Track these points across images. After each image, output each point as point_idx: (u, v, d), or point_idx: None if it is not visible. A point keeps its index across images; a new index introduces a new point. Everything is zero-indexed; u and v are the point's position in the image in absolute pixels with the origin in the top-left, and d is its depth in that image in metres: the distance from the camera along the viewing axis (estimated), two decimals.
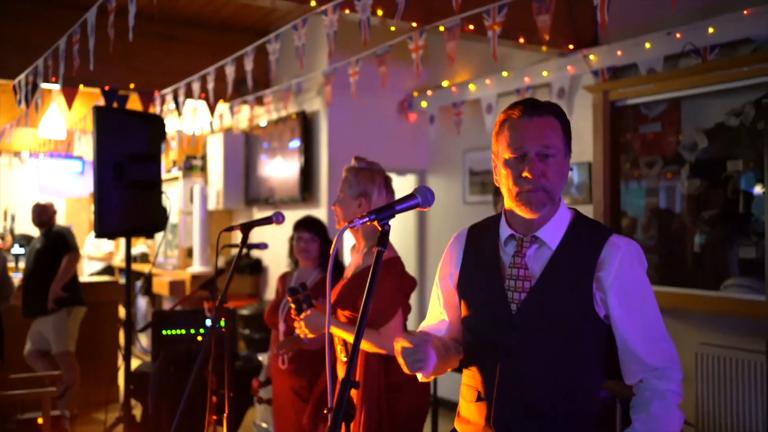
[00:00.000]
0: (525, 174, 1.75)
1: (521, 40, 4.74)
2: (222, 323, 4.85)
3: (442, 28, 4.29)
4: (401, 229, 6.74)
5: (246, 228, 2.84)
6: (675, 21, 4.35)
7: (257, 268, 7.22)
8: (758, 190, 4.01)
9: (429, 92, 6.27)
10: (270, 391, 4.77)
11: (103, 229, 4.21)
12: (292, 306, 2.79)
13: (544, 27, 3.67)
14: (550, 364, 1.75)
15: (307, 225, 3.89)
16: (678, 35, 4.27)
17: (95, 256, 9.10)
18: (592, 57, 4.85)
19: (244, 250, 2.85)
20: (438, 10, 4.27)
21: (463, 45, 5.15)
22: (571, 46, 4.95)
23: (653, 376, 1.75)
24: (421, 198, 1.71)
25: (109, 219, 4.23)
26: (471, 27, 4.32)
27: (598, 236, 1.81)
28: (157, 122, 4.45)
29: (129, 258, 4.54)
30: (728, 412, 4.04)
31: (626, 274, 1.75)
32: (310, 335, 2.72)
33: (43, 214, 5.83)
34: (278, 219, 2.88)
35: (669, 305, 4.41)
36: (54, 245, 5.73)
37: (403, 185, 6.82)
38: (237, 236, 2.96)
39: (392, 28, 4.59)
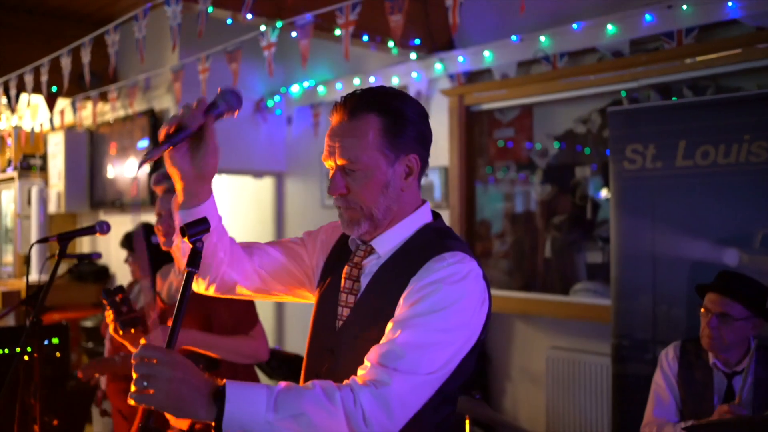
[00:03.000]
0: (328, 192, 1.52)
1: (375, 41, 4.63)
2: (55, 340, 4.43)
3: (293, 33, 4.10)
4: (258, 229, 6.49)
5: (63, 239, 2.54)
6: (527, 27, 4.39)
7: (102, 276, 6.72)
8: (603, 194, 4.11)
9: (286, 93, 6.06)
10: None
11: None
12: (109, 313, 2.42)
13: (397, 27, 3.56)
14: None
15: (124, 243, 3.65)
16: (530, 42, 4.31)
17: None
18: (447, 61, 4.82)
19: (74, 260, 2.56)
20: (289, 7, 4.08)
21: (320, 44, 4.99)
22: (426, 50, 4.90)
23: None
24: (224, 104, 1.44)
25: None
26: (327, 25, 4.16)
27: (434, 250, 1.47)
28: None
29: None
30: (576, 414, 4.11)
31: (429, 274, 1.42)
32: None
33: None
34: (102, 229, 2.60)
35: (520, 310, 4.45)
36: None
37: (260, 187, 6.57)
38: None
39: (239, 23, 4.35)
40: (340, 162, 1.48)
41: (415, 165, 1.51)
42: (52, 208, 6.93)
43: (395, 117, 1.48)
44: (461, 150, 4.72)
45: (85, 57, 4.68)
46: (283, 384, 1.31)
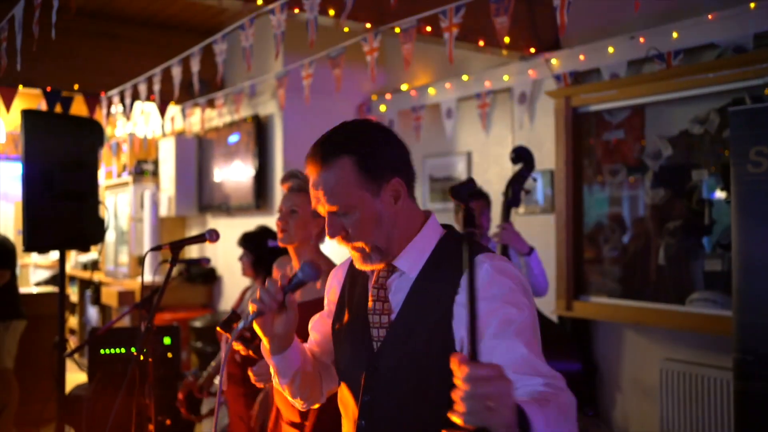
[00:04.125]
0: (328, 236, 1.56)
1: (480, 43, 4.55)
2: (167, 341, 4.58)
3: (397, 30, 4.09)
4: None
5: (175, 247, 2.61)
6: (638, 25, 4.20)
7: (210, 278, 6.93)
8: (720, 195, 3.87)
9: (388, 96, 6.07)
10: (212, 403, 4.54)
11: (31, 242, 3.90)
12: (239, 347, 2.24)
13: (503, 29, 3.48)
14: (413, 408, 1.50)
15: (241, 242, 3.74)
16: (641, 40, 4.12)
17: (42, 263, 8.74)
18: (553, 61, 4.68)
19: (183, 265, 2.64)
20: (392, 11, 4.06)
21: (422, 47, 4.96)
22: (532, 50, 4.78)
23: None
24: (302, 274, 1.55)
25: (38, 231, 3.92)
26: (428, 29, 4.12)
27: (461, 259, 1.47)
28: (94, 127, 4.16)
29: (63, 275, 4.23)
30: (694, 430, 3.89)
31: (488, 286, 1.43)
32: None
33: None
34: (212, 237, 2.65)
35: (632, 319, 4.26)
36: None
37: None
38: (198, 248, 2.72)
39: (345, 29, 4.38)
40: (329, 209, 1.53)
41: (401, 187, 1.53)
42: (163, 211, 7.22)
43: (365, 151, 1.51)
44: (568, 153, 4.56)
45: (195, 66, 4.83)
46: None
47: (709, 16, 3.80)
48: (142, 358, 2.75)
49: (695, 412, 3.88)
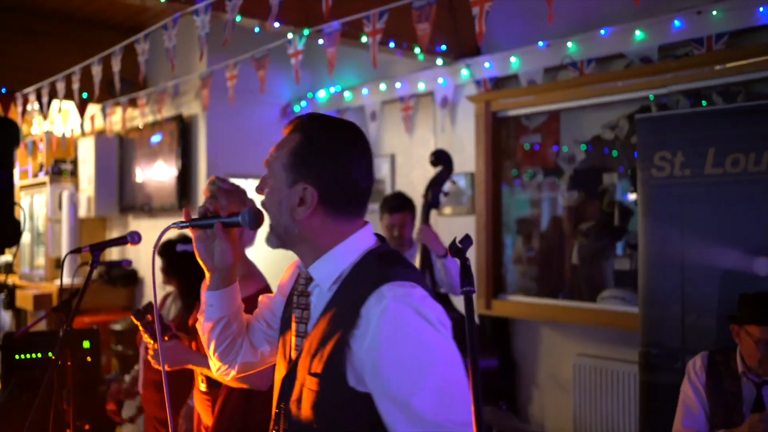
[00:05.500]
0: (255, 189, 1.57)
1: (403, 48, 4.65)
2: (87, 344, 4.48)
3: (320, 37, 4.14)
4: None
5: (96, 249, 2.57)
6: (554, 33, 4.37)
7: (132, 280, 6.80)
8: (631, 197, 4.08)
9: (312, 98, 6.10)
10: (132, 408, 4.47)
11: None
12: (142, 331, 2.45)
13: (424, 35, 3.58)
14: None
15: (162, 252, 3.68)
16: (557, 47, 4.30)
17: None
18: (474, 67, 4.82)
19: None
20: (317, 15, 4.10)
21: (346, 51, 5.02)
22: (453, 56, 4.91)
23: None
24: (242, 219, 1.57)
25: None
26: (354, 33, 4.19)
27: (372, 281, 1.39)
28: (9, 126, 4.03)
29: None
30: (604, 421, 4.09)
31: (382, 338, 1.34)
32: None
33: None
34: (134, 239, 2.63)
35: (548, 317, 4.44)
36: None
37: None
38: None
39: (266, 30, 4.39)
40: (266, 160, 1.53)
41: (310, 198, 1.45)
42: (82, 212, 7.04)
43: (309, 142, 1.47)
44: (488, 156, 4.71)
45: (116, 65, 4.75)
46: None
47: (619, 28, 4.00)
48: (60, 362, 2.71)
49: (605, 404, 4.08)
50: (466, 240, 1.42)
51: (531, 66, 4.48)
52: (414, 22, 3.61)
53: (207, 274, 1.65)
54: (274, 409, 1.56)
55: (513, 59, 4.57)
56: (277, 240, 1.52)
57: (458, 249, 1.39)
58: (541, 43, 4.37)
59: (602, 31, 4.06)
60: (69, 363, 2.63)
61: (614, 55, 4.12)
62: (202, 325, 1.68)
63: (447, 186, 3.81)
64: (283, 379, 1.54)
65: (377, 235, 1.56)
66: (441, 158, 3.76)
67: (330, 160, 1.45)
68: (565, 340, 4.42)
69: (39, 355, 4.14)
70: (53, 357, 2.55)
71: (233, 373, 1.73)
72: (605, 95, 4.15)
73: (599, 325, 4.16)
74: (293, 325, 1.54)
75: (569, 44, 4.23)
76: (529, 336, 4.65)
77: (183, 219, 1.62)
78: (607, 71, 4.15)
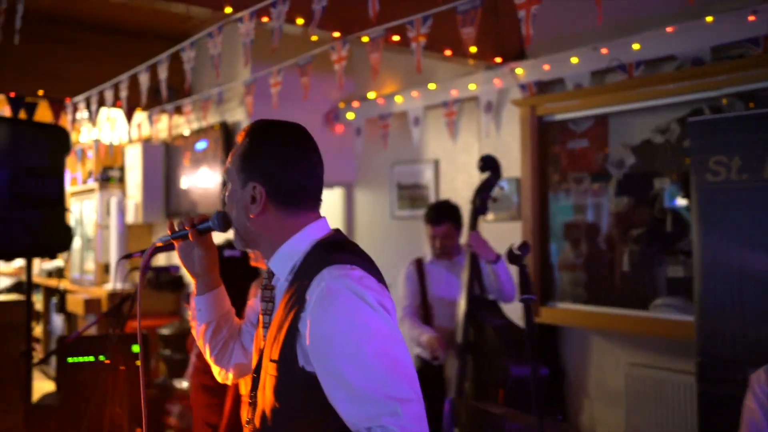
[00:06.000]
0: None
1: (447, 53, 4.61)
2: (136, 348, 4.55)
3: (365, 39, 4.13)
4: None
5: (158, 250, 2.59)
6: (601, 36, 4.29)
7: (178, 285, 6.89)
8: (681, 203, 3.98)
9: (355, 104, 6.10)
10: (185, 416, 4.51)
11: None
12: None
13: (469, 39, 3.53)
14: (278, 428, 1.52)
15: None
16: (604, 51, 4.21)
17: (4, 271, 8.58)
18: (518, 71, 4.76)
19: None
20: (360, 21, 4.09)
21: (389, 56, 5.00)
22: (498, 60, 4.85)
23: None
24: (212, 222, 1.68)
25: (5, 239, 3.88)
26: (395, 38, 4.17)
27: (316, 267, 1.50)
28: (59, 134, 4.12)
29: (30, 283, 4.19)
30: None
31: (319, 316, 1.44)
32: None
33: None
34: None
35: (596, 325, 4.35)
36: None
37: (330, 198, 6.62)
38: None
39: (314, 38, 4.40)
40: (224, 170, 1.67)
41: (259, 196, 1.56)
42: (130, 218, 7.15)
43: (254, 143, 1.59)
44: (533, 160, 4.64)
45: (162, 73, 4.81)
46: None
47: (669, 29, 3.91)
48: (114, 366, 2.74)
49: (660, 416, 3.97)
50: (524, 247, 1.39)
51: (577, 69, 4.40)
52: (459, 26, 3.57)
53: (192, 281, 1.80)
54: (246, 401, 1.67)
55: (559, 63, 4.49)
56: (240, 240, 1.64)
57: (516, 256, 1.36)
58: (587, 46, 4.29)
59: (652, 33, 3.97)
60: (123, 367, 2.66)
61: (665, 57, 4.02)
62: (196, 330, 1.82)
63: (495, 192, 3.76)
64: (253, 370, 1.64)
65: (336, 230, 1.65)
66: (489, 164, 3.71)
67: (272, 159, 1.57)
68: (616, 349, 4.32)
69: (91, 358, 4.20)
70: (107, 361, 2.58)
71: (231, 376, 1.85)
72: (655, 98, 4.05)
73: (652, 334, 4.05)
74: (260, 318, 1.67)
75: (617, 47, 4.14)
76: (577, 344, 4.56)
77: (168, 233, 1.75)
78: (657, 74, 4.05)
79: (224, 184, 1.66)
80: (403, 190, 5.98)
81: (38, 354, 8.15)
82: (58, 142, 4.08)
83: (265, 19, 3.93)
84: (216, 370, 1.84)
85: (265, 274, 1.68)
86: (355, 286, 1.44)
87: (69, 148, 4.10)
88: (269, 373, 1.52)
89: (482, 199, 3.70)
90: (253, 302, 1.90)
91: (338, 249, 1.56)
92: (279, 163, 1.57)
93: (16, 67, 5.68)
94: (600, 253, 4.42)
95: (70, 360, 4.20)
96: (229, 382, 1.87)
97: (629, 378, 4.13)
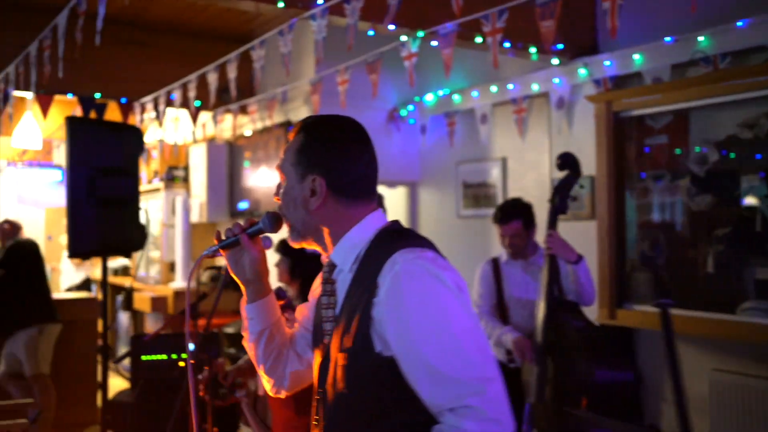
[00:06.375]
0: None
1: (519, 47, 4.50)
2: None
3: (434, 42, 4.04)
4: None
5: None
6: (682, 27, 4.13)
7: None
8: None
9: (419, 101, 6.03)
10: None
11: (75, 249, 3.91)
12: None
13: (549, 32, 3.43)
14: (352, 417, 1.51)
15: (279, 248, 3.64)
16: (687, 42, 4.05)
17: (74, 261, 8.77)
18: (592, 65, 4.62)
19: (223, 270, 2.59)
20: (432, 17, 4.02)
21: (455, 52, 4.91)
22: (569, 55, 4.72)
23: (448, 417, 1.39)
24: (262, 223, 1.67)
25: (82, 237, 3.94)
26: (468, 34, 4.08)
27: (385, 252, 1.49)
28: (134, 134, 4.17)
29: (105, 282, 4.23)
30: None
31: (397, 299, 1.42)
32: None
33: (4, 234, 5.63)
34: (265, 244, 2.62)
35: (678, 328, 4.15)
36: (12, 257, 5.44)
37: (393, 197, 6.56)
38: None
39: (373, 32, 4.34)
40: (276, 168, 1.66)
41: (319, 188, 1.56)
42: (194, 217, 7.23)
43: (310, 137, 1.59)
44: (609, 158, 4.49)
45: (232, 72, 4.82)
46: None
47: (757, 19, 3.73)
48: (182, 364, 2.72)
49: (746, 424, 3.79)
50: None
51: (656, 63, 4.25)
52: (537, 20, 3.46)
53: (242, 289, 1.73)
54: (314, 397, 1.63)
55: (636, 56, 4.34)
56: (297, 235, 1.62)
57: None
58: (668, 39, 4.13)
59: (739, 23, 3.80)
60: (207, 366, 2.65)
61: (753, 48, 3.84)
62: (248, 342, 1.75)
63: (575, 190, 3.64)
64: (319, 366, 1.62)
65: (396, 220, 1.65)
66: (568, 161, 3.60)
67: (331, 151, 1.57)
68: (699, 354, 4.15)
69: (164, 356, 4.24)
70: (192, 361, 2.56)
71: (284, 389, 1.79)
72: (743, 92, 3.86)
73: (739, 339, 3.87)
74: (322, 313, 1.62)
75: (701, 38, 3.98)
76: (655, 348, 4.40)
77: (215, 243, 1.71)
78: (744, 65, 3.87)
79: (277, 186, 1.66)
80: (469, 189, 5.89)
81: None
82: (133, 141, 4.12)
83: (335, 17, 3.88)
84: (269, 383, 1.79)
85: (326, 267, 1.64)
86: (430, 267, 1.44)
87: (143, 148, 4.13)
88: (339, 363, 1.51)
89: (561, 197, 3.59)
90: (305, 308, 1.83)
91: (405, 235, 1.58)
92: (338, 155, 1.58)
93: (86, 69, 5.77)
94: (681, 254, 4.25)
95: (144, 358, 4.26)
96: (282, 395, 1.81)
97: (714, 384, 3.96)
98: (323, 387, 1.58)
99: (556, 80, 4.90)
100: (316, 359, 1.65)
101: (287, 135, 1.66)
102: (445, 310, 1.41)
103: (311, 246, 1.65)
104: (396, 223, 1.64)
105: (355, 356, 1.48)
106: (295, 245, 1.66)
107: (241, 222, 1.72)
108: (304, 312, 1.83)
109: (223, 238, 1.70)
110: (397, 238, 1.55)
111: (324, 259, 1.65)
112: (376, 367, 1.46)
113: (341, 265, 1.58)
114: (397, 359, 1.43)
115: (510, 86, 5.20)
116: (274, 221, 1.65)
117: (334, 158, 1.57)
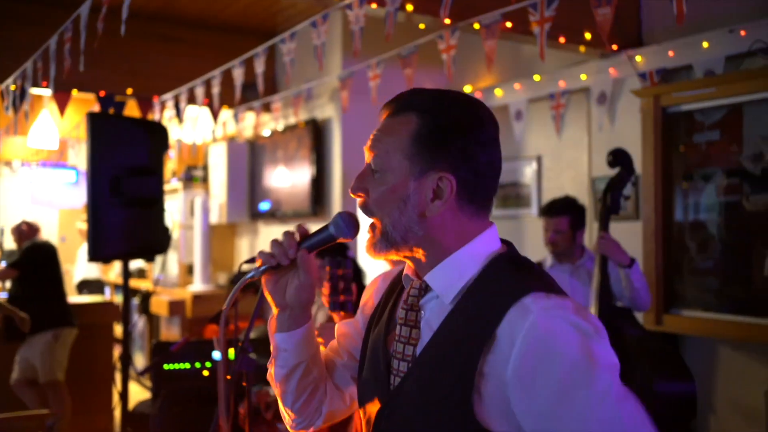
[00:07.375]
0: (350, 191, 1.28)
1: (561, 40, 4.28)
2: (231, 354, 4.39)
3: (477, 26, 3.84)
4: None
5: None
6: (736, 17, 3.90)
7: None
8: None
9: None
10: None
11: (97, 252, 3.72)
12: (326, 285, 2.39)
13: (605, 21, 3.19)
14: None
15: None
16: (742, 33, 3.82)
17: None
18: (638, 58, 4.39)
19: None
20: (475, 6, 3.81)
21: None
22: (614, 47, 4.49)
23: None
24: (334, 228, 1.29)
25: (104, 240, 3.74)
26: (510, 24, 3.87)
27: (507, 291, 1.15)
28: (159, 131, 3.97)
29: (127, 285, 4.04)
30: None
31: (539, 367, 1.08)
32: None
33: (21, 235, 5.46)
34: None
35: (731, 335, 3.95)
36: (28, 259, 5.26)
37: None
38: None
39: (421, 26, 4.14)
40: (369, 155, 1.25)
41: (447, 189, 1.19)
42: (214, 218, 7.03)
43: (436, 122, 1.20)
44: (656, 156, 4.27)
45: (259, 67, 4.62)
46: None
47: None
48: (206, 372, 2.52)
49: None
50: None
51: (709, 55, 4.02)
52: (593, 8, 3.24)
53: (274, 309, 1.35)
54: None
55: (687, 48, 4.12)
56: (388, 245, 1.23)
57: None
58: (723, 29, 3.91)
59: None
60: (245, 383, 2.44)
61: None
62: (275, 375, 1.38)
63: (628, 189, 3.42)
64: (379, 412, 1.25)
65: (507, 241, 1.30)
66: (619, 158, 3.38)
67: (468, 140, 1.20)
68: (754, 363, 3.92)
69: (187, 365, 4.04)
70: (230, 371, 2.37)
71: (314, 427, 1.44)
72: None
73: None
74: (395, 346, 1.26)
75: (759, 28, 3.75)
76: (704, 356, 4.17)
77: (258, 264, 1.32)
78: None
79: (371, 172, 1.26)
80: (501, 188, 5.65)
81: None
82: (158, 139, 3.93)
83: (374, 6, 3.68)
84: (293, 420, 1.42)
85: (413, 289, 1.28)
86: (580, 323, 1.10)
87: (168, 146, 3.94)
88: (422, 423, 1.18)
89: (614, 197, 3.37)
90: (348, 329, 1.48)
91: (531, 270, 1.22)
92: (475, 148, 1.20)
93: (105, 65, 5.59)
94: (734, 257, 4.02)
95: (166, 367, 4.05)
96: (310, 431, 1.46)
97: None
98: None
99: (598, 74, 4.67)
100: (371, 406, 1.30)
101: (379, 116, 1.27)
102: (608, 381, 1.08)
103: (393, 258, 1.28)
104: (512, 247, 1.29)
105: (441, 415, 1.15)
106: (376, 257, 1.26)
107: (292, 229, 1.32)
108: (347, 332, 1.47)
109: (270, 251, 1.30)
110: (523, 273, 1.20)
111: (409, 274, 1.29)
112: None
113: (441, 291, 1.22)
114: None
115: (547, 81, 4.98)
116: (353, 225, 1.29)
117: (470, 152, 1.20)
